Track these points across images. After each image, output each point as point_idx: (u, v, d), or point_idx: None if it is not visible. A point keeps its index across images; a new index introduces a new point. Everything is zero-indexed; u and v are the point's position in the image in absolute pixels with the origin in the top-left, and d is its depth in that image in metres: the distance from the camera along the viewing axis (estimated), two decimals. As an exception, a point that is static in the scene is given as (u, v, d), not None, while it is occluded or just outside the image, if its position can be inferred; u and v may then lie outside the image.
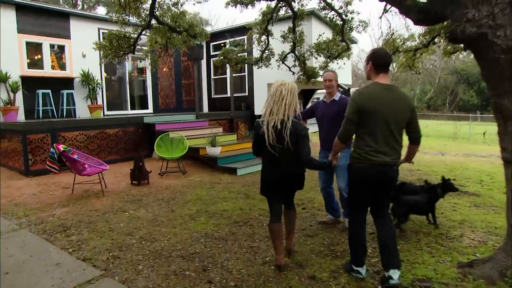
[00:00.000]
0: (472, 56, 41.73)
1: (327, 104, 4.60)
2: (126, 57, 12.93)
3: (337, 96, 4.60)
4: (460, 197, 5.85)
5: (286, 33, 9.23)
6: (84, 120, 8.51)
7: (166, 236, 4.30)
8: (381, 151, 2.84)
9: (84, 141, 8.45)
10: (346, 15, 8.63)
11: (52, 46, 10.31)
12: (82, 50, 10.60)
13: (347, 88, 12.73)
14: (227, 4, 8.46)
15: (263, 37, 9.49)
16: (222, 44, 13.86)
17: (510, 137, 2.95)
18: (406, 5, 3.89)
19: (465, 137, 18.88)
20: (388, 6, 7.06)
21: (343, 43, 9.24)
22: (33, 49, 10.08)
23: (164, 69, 13.39)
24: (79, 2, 32.42)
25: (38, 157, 7.63)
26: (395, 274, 2.94)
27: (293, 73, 10.38)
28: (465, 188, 6.47)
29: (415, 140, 3.07)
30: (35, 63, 10.13)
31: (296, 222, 3.99)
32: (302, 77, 10.55)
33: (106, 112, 11.47)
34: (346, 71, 14.17)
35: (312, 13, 10.90)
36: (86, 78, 10.51)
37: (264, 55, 9.75)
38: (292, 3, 8.44)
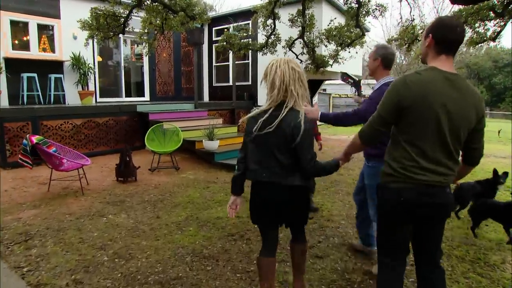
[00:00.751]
0: (484, 50, 40.40)
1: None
2: (123, 41, 12.23)
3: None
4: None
5: (295, 17, 8.37)
6: (70, 107, 7.75)
7: (145, 252, 3.56)
8: (428, 168, 1.93)
9: (70, 130, 7.71)
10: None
11: (40, 26, 9.50)
12: (73, 31, 9.78)
13: (357, 79, 11.88)
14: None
15: (269, 21, 8.66)
16: (225, 29, 13.01)
17: None
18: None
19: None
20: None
21: (357, 29, 8.38)
22: (19, 28, 9.28)
23: (163, 55, 12.58)
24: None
25: (16, 147, 6.90)
26: None
27: (301, 61, 9.54)
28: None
29: (473, 159, 2.13)
30: (20, 44, 9.35)
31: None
32: (310, 66, 9.72)
33: (99, 99, 10.71)
34: (357, 61, 13.29)
35: (323, -4, 10.04)
36: (77, 62, 9.73)
37: (270, 40, 8.93)
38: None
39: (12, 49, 8.98)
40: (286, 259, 3.39)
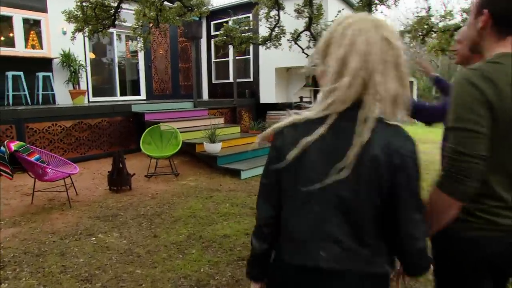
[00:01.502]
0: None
1: None
2: (117, 36, 11.56)
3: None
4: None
5: (301, 7, 7.72)
6: (58, 108, 7.11)
7: (140, 285, 2.95)
8: None
9: (59, 133, 7.06)
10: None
11: (25, 20, 8.82)
12: (62, 26, 9.09)
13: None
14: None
15: (273, 12, 8.01)
16: (223, 23, 12.36)
17: None
18: None
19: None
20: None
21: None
22: (2, 23, 8.60)
23: (159, 51, 11.91)
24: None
25: (-2, 153, 6.25)
26: None
27: (307, 55, 8.90)
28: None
29: None
30: (4, 41, 8.67)
31: None
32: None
33: (92, 99, 10.05)
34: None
35: (329, -15, 9.38)
36: (67, 59, 9.06)
37: (274, 33, 8.27)
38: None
39: (-4, 46, 8.32)
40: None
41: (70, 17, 5.71)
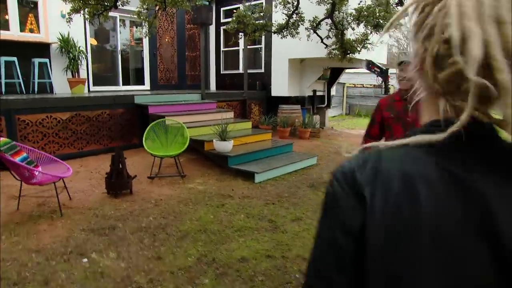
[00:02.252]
0: None
1: None
2: (120, 22, 10.84)
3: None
4: None
5: (323, -8, 6.98)
6: (54, 98, 6.45)
7: (139, 334, 2.31)
8: None
9: (54, 126, 6.42)
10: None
11: (20, 1, 8.12)
12: (61, 8, 8.39)
13: (384, 68, 10.50)
14: None
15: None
16: (234, 10, 11.60)
17: None
18: None
19: None
20: None
21: (398, 7, 6.97)
22: (-4, 4, 7.92)
23: (165, 38, 11.19)
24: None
25: (-15, 148, 5.61)
26: None
27: (326, 45, 8.18)
28: None
29: None
30: (-2, 23, 8.00)
31: None
32: (335, 51, 8.35)
33: (92, 88, 9.38)
34: (381, 48, 11.88)
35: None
36: (66, 45, 8.36)
37: (291, 21, 7.53)
38: None
39: (-12, 29, 7.63)
40: None
41: (66, -5, 5.01)
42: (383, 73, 10.53)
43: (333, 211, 0.60)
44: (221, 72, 12.08)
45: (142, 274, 2.99)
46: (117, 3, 5.39)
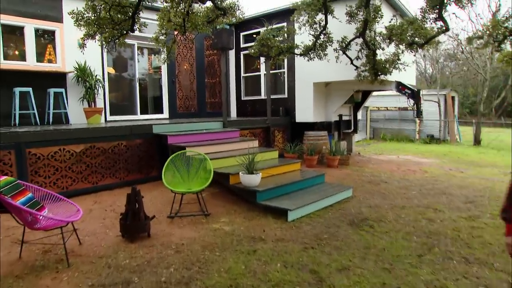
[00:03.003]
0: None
1: None
2: (138, 50, 10.59)
3: None
4: None
5: (355, 8, 6.47)
6: (67, 130, 6.01)
7: None
8: None
9: (67, 160, 5.95)
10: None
11: (38, 31, 7.90)
12: (78, 37, 8.12)
13: (416, 90, 9.85)
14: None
15: (319, 16, 6.78)
16: (254, 35, 11.25)
17: None
18: None
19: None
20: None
21: (437, 23, 6.38)
22: (12, 34, 7.71)
23: (184, 65, 10.85)
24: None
25: (-8, 185, 5.14)
26: None
27: (356, 67, 7.61)
28: None
29: None
30: (14, 53, 7.77)
31: None
32: (364, 73, 7.77)
33: (109, 117, 9.01)
34: (410, 69, 11.26)
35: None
36: (82, 74, 8.06)
37: (319, 41, 7.03)
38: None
39: (4, 59, 7.37)
40: None
41: (79, 19, 4.60)
42: (414, 95, 9.87)
43: None
44: (242, 99, 11.62)
45: None
46: (134, 27, 4.97)
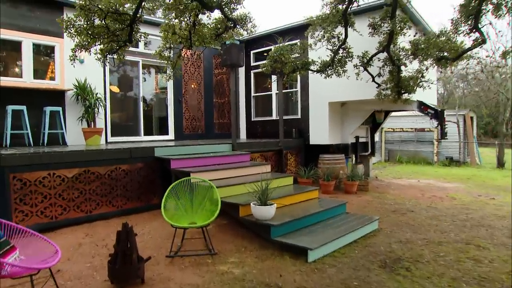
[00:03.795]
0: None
1: None
2: (145, 68, 10.10)
3: None
4: None
5: (379, 20, 5.86)
6: (57, 153, 5.38)
7: None
8: None
9: (57, 186, 5.30)
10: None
11: (36, 46, 7.43)
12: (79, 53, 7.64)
13: (439, 109, 9.14)
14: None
15: (338, 30, 6.19)
16: (265, 53, 10.73)
17: None
18: None
19: None
20: None
21: (473, 34, 5.70)
22: (9, 49, 7.24)
23: (192, 84, 10.32)
24: None
25: (-32, 216, 4.50)
26: None
27: (378, 85, 6.96)
28: None
29: None
30: (9, 69, 7.29)
31: None
32: (386, 91, 7.11)
33: (110, 138, 8.43)
34: (431, 87, 10.58)
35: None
36: (82, 91, 7.52)
37: (337, 57, 6.41)
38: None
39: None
40: None
41: (68, 26, 4.02)
42: (438, 115, 9.15)
43: None
44: (252, 119, 11.00)
45: None
46: (132, 37, 4.38)
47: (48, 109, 7.05)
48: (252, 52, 10.88)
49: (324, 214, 5.40)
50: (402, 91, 6.99)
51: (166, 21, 5.32)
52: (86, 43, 4.22)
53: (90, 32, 4.08)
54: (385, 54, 6.52)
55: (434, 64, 6.46)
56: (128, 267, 3.41)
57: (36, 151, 5.32)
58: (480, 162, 17.46)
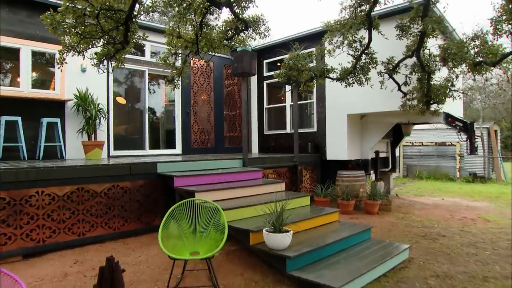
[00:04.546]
0: None
1: None
2: (154, 79, 9.62)
3: None
4: None
5: (408, 21, 5.22)
6: (47, 168, 4.82)
7: None
8: None
9: (46, 205, 4.73)
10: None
11: (35, 53, 7.00)
12: (81, 62, 7.19)
13: (468, 122, 8.38)
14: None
15: (361, 33, 5.57)
16: (278, 63, 10.17)
17: None
18: None
19: None
20: None
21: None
22: (6, 56, 6.82)
23: (201, 96, 9.79)
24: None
25: None
26: None
27: (404, 94, 6.29)
28: None
29: None
30: (7, 78, 6.85)
31: None
32: (411, 102, 6.43)
33: (113, 152, 7.89)
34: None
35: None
36: (83, 102, 7.03)
37: (360, 63, 5.77)
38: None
39: (-7, 85, 6.44)
40: None
41: (53, 24, 3.47)
42: (467, 128, 8.39)
43: None
44: (265, 133, 10.38)
45: None
46: (128, 38, 3.82)
47: (45, 120, 6.56)
48: (264, 62, 10.34)
49: (347, 242, 4.69)
50: (431, 101, 6.31)
51: (171, 21, 4.79)
52: (76, 44, 3.68)
53: (80, 32, 3.54)
54: (412, 60, 5.86)
55: (468, 71, 5.76)
56: (111, 313, 2.76)
57: (23, 166, 4.78)
58: (505, 178, 16.47)
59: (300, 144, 8.56)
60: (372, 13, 5.38)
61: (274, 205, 4.13)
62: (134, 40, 4.05)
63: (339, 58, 6.27)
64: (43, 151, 6.55)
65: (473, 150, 8.69)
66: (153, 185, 5.74)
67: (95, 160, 6.58)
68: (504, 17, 4.85)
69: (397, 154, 11.59)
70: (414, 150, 17.26)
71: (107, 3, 3.54)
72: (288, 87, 8.67)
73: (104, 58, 4.44)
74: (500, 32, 4.98)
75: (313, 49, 8.35)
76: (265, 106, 10.38)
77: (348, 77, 6.00)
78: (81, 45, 3.70)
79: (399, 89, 6.23)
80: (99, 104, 7.21)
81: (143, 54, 8.54)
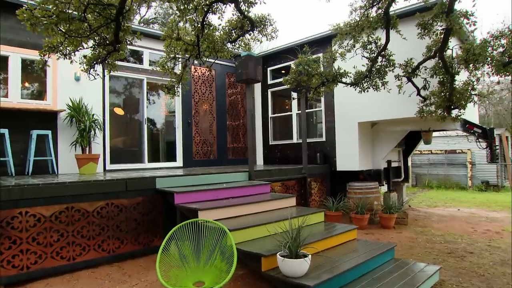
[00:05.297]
0: None
1: None
2: (153, 89, 9.17)
3: None
4: None
5: (430, 19, 4.74)
6: (32, 186, 4.30)
7: None
8: None
9: (31, 227, 4.21)
10: None
11: (25, 61, 6.55)
12: (75, 70, 6.74)
13: (488, 128, 7.88)
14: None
15: (377, 34, 5.10)
16: (283, 70, 9.75)
17: None
18: None
19: None
20: None
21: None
22: (-7, 65, 6.38)
23: (203, 105, 9.33)
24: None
25: None
26: None
27: (424, 99, 5.79)
28: None
29: None
30: (-6, 88, 6.41)
31: None
32: (429, 108, 5.94)
33: (110, 166, 7.39)
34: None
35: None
36: (76, 112, 6.56)
37: (376, 66, 5.29)
38: None
39: (-21, 95, 5.98)
40: None
41: (31, 20, 2.98)
42: (487, 135, 7.89)
43: None
44: (270, 143, 9.88)
45: None
46: (119, 37, 3.35)
47: (34, 132, 6.08)
48: (269, 69, 9.89)
49: (370, 265, 4.15)
50: (452, 106, 5.81)
51: (171, 20, 4.32)
52: (60, 44, 3.20)
53: (63, 30, 3.07)
54: (431, 62, 5.39)
55: (493, 73, 5.28)
56: None
57: (5, 183, 4.27)
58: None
59: (308, 154, 8.05)
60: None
61: (289, 223, 3.61)
62: (127, 41, 3.58)
63: (350, 62, 5.80)
64: (33, 166, 6.06)
65: (493, 158, 8.18)
66: (151, 202, 5.22)
67: (89, 175, 6.08)
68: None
69: (409, 163, 11.07)
70: (423, 158, 16.73)
71: (94, -2, 3.07)
72: (294, 94, 8.20)
73: (94, 62, 3.96)
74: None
75: (321, 55, 7.89)
76: (270, 115, 9.90)
77: (363, 81, 5.52)
78: (67, 46, 3.23)
79: (418, 94, 5.73)
80: (94, 114, 6.74)
81: (141, 62, 8.11)
